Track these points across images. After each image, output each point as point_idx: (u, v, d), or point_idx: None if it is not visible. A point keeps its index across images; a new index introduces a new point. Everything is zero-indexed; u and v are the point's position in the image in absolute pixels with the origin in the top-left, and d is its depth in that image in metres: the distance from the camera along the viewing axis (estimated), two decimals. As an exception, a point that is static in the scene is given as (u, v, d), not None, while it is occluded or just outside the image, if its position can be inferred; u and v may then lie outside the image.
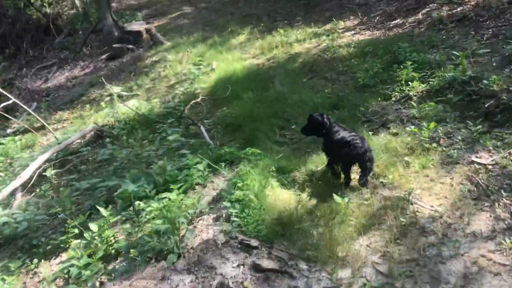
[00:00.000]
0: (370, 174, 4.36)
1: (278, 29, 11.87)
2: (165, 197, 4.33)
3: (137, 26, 13.63)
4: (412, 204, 3.89)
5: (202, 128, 6.54)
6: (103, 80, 9.58)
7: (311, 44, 10.20)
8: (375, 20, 11.35)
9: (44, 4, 16.79)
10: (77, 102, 10.44)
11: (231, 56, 10.67)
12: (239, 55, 10.72)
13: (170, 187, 4.42)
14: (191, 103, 7.67)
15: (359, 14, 12.03)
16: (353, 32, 10.59)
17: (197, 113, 8.01)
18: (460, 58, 6.10)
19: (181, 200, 4.21)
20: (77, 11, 16.54)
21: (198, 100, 7.73)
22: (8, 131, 9.23)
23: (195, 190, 4.71)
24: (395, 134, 5.27)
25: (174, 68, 11.05)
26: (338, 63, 8.53)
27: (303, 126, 5.02)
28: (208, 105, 8.15)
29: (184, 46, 12.44)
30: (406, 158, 4.63)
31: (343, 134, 4.54)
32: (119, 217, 4.33)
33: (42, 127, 9.14)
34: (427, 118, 5.39)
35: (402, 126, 5.42)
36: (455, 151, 4.59)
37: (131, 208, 4.19)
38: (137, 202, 4.21)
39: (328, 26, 11.56)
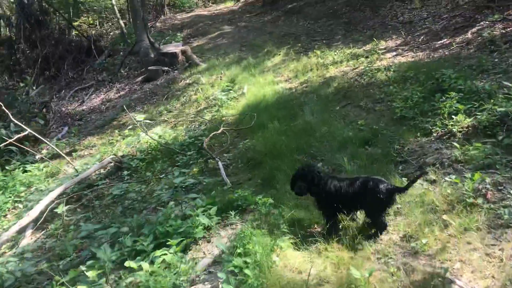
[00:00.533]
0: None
1: (315, 50, 11.21)
2: (161, 255, 3.79)
3: (173, 47, 13.41)
4: (448, 283, 3.10)
5: (220, 164, 5.98)
6: (125, 108, 9.28)
7: (348, 67, 9.47)
8: (419, 40, 10.46)
9: (90, 25, 17.03)
10: (107, 126, 10.21)
11: (263, 79, 10.12)
12: (272, 78, 10.15)
13: (167, 243, 3.87)
14: (211, 134, 7.14)
15: (403, 33, 11.17)
16: (394, 53, 9.76)
17: (221, 143, 7.49)
18: (514, 89, 5.21)
19: (177, 261, 3.64)
20: (121, 31, 16.61)
21: (219, 132, 7.19)
22: (37, 157, 9.07)
23: (198, 245, 4.13)
24: (433, 182, 4.47)
25: (206, 91, 10.65)
26: (375, 89, 7.75)
27: (294, 184, 4.21)
28: (232, 135, 7.61)
29: (219, 68, 12.05)
30: (444, 216, 3.82)
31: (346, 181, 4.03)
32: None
33: (70, 153, 8.93)
34: (472, 162, 4.55)
35: (442, 172, 4.60)
36: (506, 209, 3.73)
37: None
38: (126, 262, 3.67)
39: (368, 46, 10.78)
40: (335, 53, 10.75)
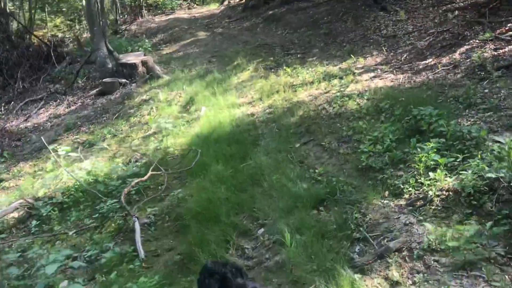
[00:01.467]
0: None
1: (287, 66, 9.98)
2: None
3: (133, 57, 12.11)
4: None
5: (137, 226, 4.70)
6: (43, 139, 7.98)
7: (319, 90, 8.23)
8: (402, 58, 9.26)
9: (57, 27, 15.68)
10: (45, 150, 8.88)
11: (224, 101, 8.85)
12: (234, 99, 8.89)
13: None
14: (133, 182, 5.84)
15: (384, 50, 9.98)
16: (372, 74, 8.54)
17: (157, 184, 6.22)
18: (508, 147, 3.98)
19: None
20: (76, 38, 15.25)
21: (145, 179, 5.89)
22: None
23: None
24: (396, 285, 3.23)
25: (161, 110, 9.38)
26: (344, 122, 6.51)
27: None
28: (170, 176, 6.34)
29: (181, 83, 10.78)
30: None
31: None
32: None
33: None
34: (450, 254, 3.32)
35: (408, 267, 3.37)
36: None
37: None
38: None
39: (345, 64, 9.58)
40: (308, 71, 9.51)
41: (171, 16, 23.70)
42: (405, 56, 9.36)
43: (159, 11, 26.93)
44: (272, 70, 10.38)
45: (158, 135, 7.77)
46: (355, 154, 5.50)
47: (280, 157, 5.88)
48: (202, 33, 17.30)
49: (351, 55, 9.94)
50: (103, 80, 11.43)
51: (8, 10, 15.18)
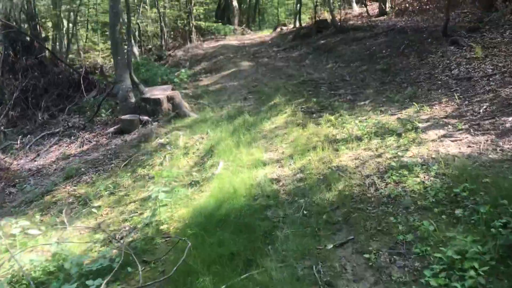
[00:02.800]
0: None
1: (329, 114, 8.04)
2: None
3: (160, 92, 10.60)
4: None
5: None
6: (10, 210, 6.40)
7: (368, 151, 6.19)
8: (481, 110, 7.05)
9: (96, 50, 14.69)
10: (35, 204, 7.44)
11: (247, 155, 7.01)
12: (260, 154, 7.01)
13: None
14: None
15: (456, 96, 7.80)
16: (441, 132, 6.39)
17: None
18: None
19: None
20: (100, 67, 14.06)
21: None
22: None
23: None
24: None
25: (175, 160, 7.70)
26: (400, 214, 4.44)
27: None
28: (155, 271, 4.53)
29: (206, 125, 9.11)
30: None
31: None
32: None
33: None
34: None
35: None
36: None
37: None
38: None
39: (405, 113, 7.50)
40: (357, 120, 7.51)
41: (220, 43, 22.43)
42: (484, 107, 7.13)
43: (211, 37, 25.85)
44: (314, 115, 8.46)
45: (157, 201, 6.01)
46: (416, 284, 3.42)
47: (300, 270, 3.90)
48: (246, 63, 15.68)
49: (413, 102, 7.83)
50: (122, 117, 9.98)
51: (44, 34, 14.34)
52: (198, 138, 8.64)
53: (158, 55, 19.42)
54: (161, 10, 21.88)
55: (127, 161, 8.33)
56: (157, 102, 10.06)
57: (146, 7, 21.85)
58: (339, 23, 16.71)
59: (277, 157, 6.88)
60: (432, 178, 4.94)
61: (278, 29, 23.63)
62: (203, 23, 27.84)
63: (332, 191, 5.31)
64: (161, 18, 19.90)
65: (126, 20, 10.71)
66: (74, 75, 13.48)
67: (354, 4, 23.23)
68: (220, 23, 28.31)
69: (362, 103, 8.72)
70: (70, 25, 18.44)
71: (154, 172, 7.20)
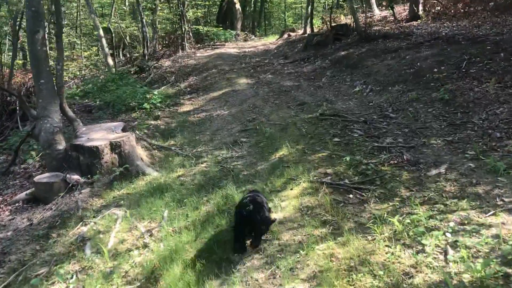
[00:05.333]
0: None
1: (378, 198, 4.16)
2: None
3: (103, 133, 6.70)
4: None
5: None
6: None
7: None
8: None
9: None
10: None
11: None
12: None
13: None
14: None
15: None
16: None
17: None
18: None
19: None
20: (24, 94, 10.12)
21: None
22: None
23: None
24: None
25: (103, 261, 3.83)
26: None
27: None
28: None
29: (163, 201, 5.24)
30: None
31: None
32: None
33: None
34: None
35: None
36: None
37: None
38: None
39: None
40: (449, 229, 3.59)
41: (217, 51, 18.57)
42: None
43: (208, 43, 21.99)
44: (350, 197, 4.55)
45: None
46: None
47: None
48: (244, 80, 11.77)
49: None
50: (37, 178, 6.10)
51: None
52: (144, 230, 4.77)
53: (139, 66, 15.58)
54: (145, 12, 18.09)
55: (17, 272, 4.45)
56: (94, 152, 6.18)
57: (124, 7, 18.01)
58: (363, 29, 12.78)
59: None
60: None
61: (285, 35, 19.73)
62: (202, 28, 24.04)
63: None
64: (143, 22, 16.06)
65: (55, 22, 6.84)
66: (9, 97, 9.65)
67: (375, 7, 19.24)
68: (221, 28, 24.50)
69: (435, 172, 4.78)
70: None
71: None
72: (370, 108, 7.64)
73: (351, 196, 4.58)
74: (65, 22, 25.86)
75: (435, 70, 8.44)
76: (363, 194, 4.55)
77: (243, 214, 3.83)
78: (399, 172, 4.92)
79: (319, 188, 4.79)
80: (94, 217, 5.30)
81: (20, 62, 23.59)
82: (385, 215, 4.02)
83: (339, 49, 12.50)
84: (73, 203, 5.73)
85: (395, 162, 5.20)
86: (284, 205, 4.63)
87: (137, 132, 7.66)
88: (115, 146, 6.33)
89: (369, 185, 4.71)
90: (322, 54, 12.74)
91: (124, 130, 6.88)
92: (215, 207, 4.88)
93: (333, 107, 7.92)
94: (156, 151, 7.16)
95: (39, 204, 6.05)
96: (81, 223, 5.22)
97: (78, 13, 22.75)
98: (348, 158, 5.35)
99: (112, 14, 14.93)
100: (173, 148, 7.14)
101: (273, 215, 4.43)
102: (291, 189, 4.97)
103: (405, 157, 5.26)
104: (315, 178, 5.05)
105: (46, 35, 6.69)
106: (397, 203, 4.24)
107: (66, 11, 24.56)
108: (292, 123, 7.32)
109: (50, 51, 19.03)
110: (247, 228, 3.93)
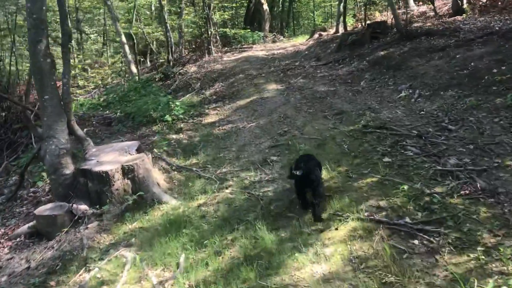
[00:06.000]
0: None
1: (453, 247, 3.07)
2: None
3: (114, 155, 5.85)
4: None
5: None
6: None
7: None
8: None
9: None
10: None
11: None
12: None
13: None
14: None
15: None
16: None
17: None
18: None
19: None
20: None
21: None
22: None
23: None
24: None
25: None
26: None
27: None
28: None
29: (179, 242, 4.32)
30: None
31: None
32: None
33: None
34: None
35: None
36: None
37: None
38: None
39: None
40: None
41: (244, 54, 17.65)
42: None
43: (236, 46, 21.13)
44: (415, 243, 3.50)
45: None
46: None
47: None
48: (273, 85, 10.78)
49: None
50: (37, 211, 5.31)
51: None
52: (156, 281, 3.86)
53: (163, 73, 14.84)
54: (171, 17, 17.37)
55: None
56: (103, 178, 5.33)
57: (148, 12, 17.32)
58: (403, 26, 11.55)
59: None
60: None
61: (316, 35, 18.60)
62: (229, 30, 23.23)
63: None
64: (166, 26, 15.30)
65: (62, 29, 6.08)
66: (24, 112, 8.98)
67: (412, 2, 17.83)
68: (249, 30, 23.63)
69: (525, 208, 3.64)
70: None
71: None
72: (422, 117, 6.50)
73: (416, 242, 3.52)
74: (93, 30, 25.63)
75: (495, 71, 7.22)
76: (432, 239, 3.48)
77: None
78: (475, 207, 3.82)
79: (372, 229, 3.75)
80: (100, 259, 4.44)
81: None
82: (468, 274, 2.95)
83: (377, 48, 11.33)
84: (78, 241, 4.89)
85: (467, 192, 4.09)
86: (328, 253, 3.62)
87: (155, 150, 6.79)
88: (127, 171, 5.47)
89: (438, 226, 3.63)
90: (359, 55, 11.59)
91: (139, 150, 6.02)
92: (241, 253, 3.91)
93: (378, 116, 6.82)
94: (176, 172, 6.26)
95: (42, 238, 5.25)
96: (84, 268, 4.37)
97: (105, 19, 22.36)
98: (405, 187, 4.28)
99: (134, 19, 14.22)
100: (194, 169, 6.21)
101: (316, 266, 3.43)
102: (336, 228, 3.95)
103: (478, 185, 4.15)
104: (366, 214, 4.00)
105: (49, 45, 5.88)
106: (481, 255, 3.16)
107: (94, 18, 24.27)
108: (330, 138, 6.28)
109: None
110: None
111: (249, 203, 4.93)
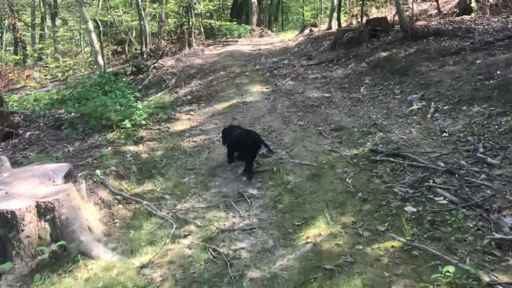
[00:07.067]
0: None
1: None
2: None
3: (31, 185, 4.17)
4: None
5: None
6: None
7: None
8: None
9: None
10: None
11: None
12: None
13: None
14: None
15: None
16: None
17: None
18: None
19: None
20: None
21: None
22: None
23: None
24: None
25: None
26: None
27: None
28: None
29: None
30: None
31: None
32: None
33: None
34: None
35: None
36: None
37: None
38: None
39: None
40: None
41: (228, 48, 15.99)
42: None
43: (221, 40, 19.41)
44: None
45: None
46: None
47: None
48: (258, 87, 9.18)
49: None
50: None
51: None
52: None
53: (136, 66, 13.08)
54: (153, 4, 15.60)
55: None
56: (8, 221, 3.68)
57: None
58: (409, 24, 10.01)
59: None
60: None
61: (307, 31, 17.00)
62: (214, 22, 21.54)
63: None
64: (140, 14, 13.53)
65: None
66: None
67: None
68: (235, 23, 21.96)
69: None
70: None
71: None
72: (446, 142, 4.99)
73: None
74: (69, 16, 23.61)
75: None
76: None
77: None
78: None
79: None
80: None
81: (18, 57, 21.43)
82: None
83: (378, 48, 9.80)
84: (-45, 321, 3.23)
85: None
86: None
87: (97, 172, 5.11)
88: (44, 210, 3.82)
89: None
90: (356, 55, 10.04)
91: (68, 176, 4.34)
92: None
93: (388, 137, 5.28)
94: (121, 206, 4.62)
95: None
96: None
97: (80, 3, 20.36)
98: (450, 269, 2.73)
99: (100, 3, 12.41)
100: (145, 202, 4.58)
101: None
102: None
103: None
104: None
105: None
106: None
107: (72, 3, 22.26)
108: (328, 165, 4.73)
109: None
110: None
111: (213, 270, 3.34)
